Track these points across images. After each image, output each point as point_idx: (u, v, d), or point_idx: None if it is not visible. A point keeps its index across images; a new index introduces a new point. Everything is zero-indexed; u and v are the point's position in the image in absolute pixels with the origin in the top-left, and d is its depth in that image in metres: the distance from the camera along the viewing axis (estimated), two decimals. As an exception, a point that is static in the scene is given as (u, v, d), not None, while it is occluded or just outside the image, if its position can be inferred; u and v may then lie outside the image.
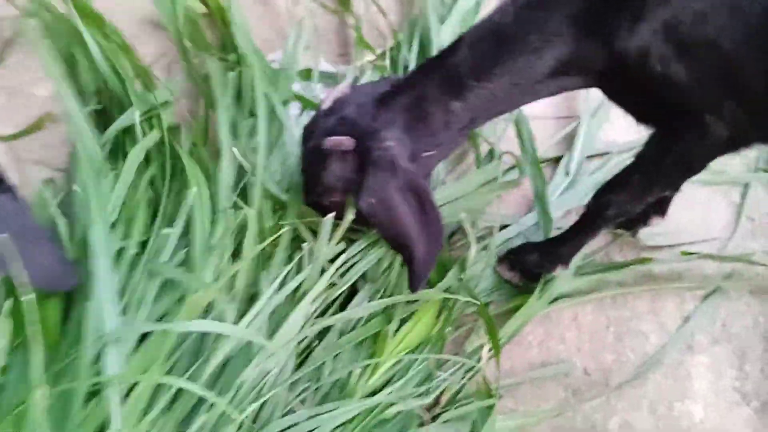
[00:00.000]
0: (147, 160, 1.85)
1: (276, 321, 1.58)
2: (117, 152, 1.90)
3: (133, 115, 1.84)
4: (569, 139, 2.43)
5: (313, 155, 1.56)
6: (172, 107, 1.98)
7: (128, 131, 1.91)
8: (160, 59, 2.32)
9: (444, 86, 1.49)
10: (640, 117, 1.60)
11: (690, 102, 1.44)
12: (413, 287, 1.62)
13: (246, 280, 1.59)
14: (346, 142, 1.50)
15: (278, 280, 1.55)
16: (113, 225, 1.65)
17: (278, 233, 1.62)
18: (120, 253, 1.61)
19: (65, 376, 1.35)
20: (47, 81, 2.20)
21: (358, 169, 1.53)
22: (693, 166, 1.62)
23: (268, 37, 2.48)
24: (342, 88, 1.65)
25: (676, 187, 1.84)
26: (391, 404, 1.62)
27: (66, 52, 2.09)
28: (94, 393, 1.35)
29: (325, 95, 1.63)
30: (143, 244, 1.65)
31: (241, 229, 1.68)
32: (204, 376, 1.41)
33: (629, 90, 1.53)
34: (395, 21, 2.65)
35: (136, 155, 1.78)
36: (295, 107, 2.17)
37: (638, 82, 1.45)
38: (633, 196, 1.71)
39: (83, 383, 1.29)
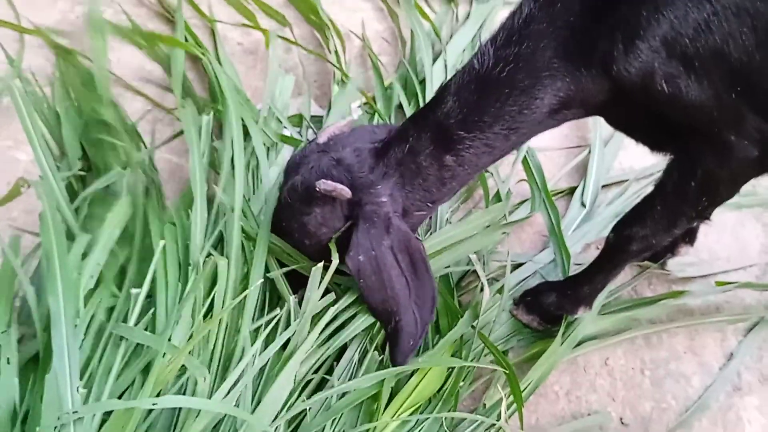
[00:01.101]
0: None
1: (261, 385, 1.40)
2: (95, 213, 1.77)
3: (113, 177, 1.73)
4: (581, 169, 2.27)
5: (301, 192, 1.44)
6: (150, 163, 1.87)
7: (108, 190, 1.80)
8: (149, 113, 2.23)
9: (435, 140, 1.37)
10: (654, 145, 1.44)
11: (707, 121, 1.27)
12: (396, 361, 1.46)
13: (223, 340, 1.42)
14: (343, 192, 1.38)
15: (260, 339, 1.38)
16: (92, 291, 1.51)
17: (252, 286, 1.44)
18: (89, 320, 1.45)
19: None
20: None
21: (345, 219, 1.43)
22: (720, 192, 1.44)
23: (258, 86, 2.37)
24: (340, 125, 1.54)
25: (705, 217, 1.65)
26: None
27: (51, 113, 2.02)
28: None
29: (322, 130, 1.55)
30: (112, 310, 1.49)
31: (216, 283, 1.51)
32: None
33: (638, 117, 1.38)
34: (388, 62, 2.55)
35: (113, 224, 1.63)
36: (287, 153, 2.04)
37: (646, 106, 1.30)
38: (657, 230, 1.51)
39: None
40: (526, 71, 1.28)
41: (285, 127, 2.12)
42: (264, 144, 1.94)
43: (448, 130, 1.35)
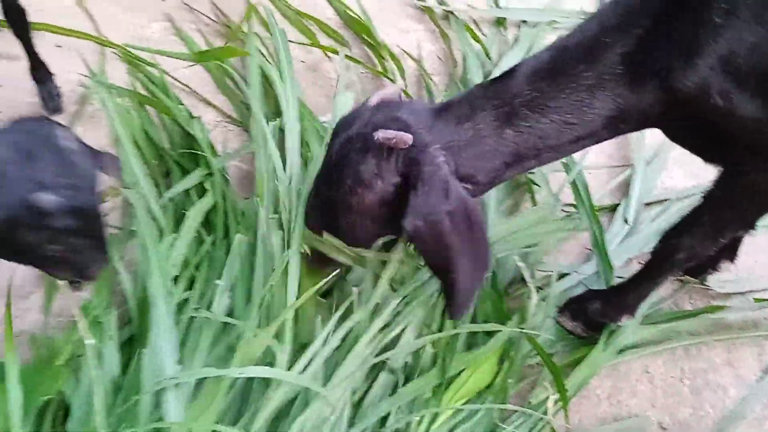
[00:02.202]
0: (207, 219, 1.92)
1: (330, 368, 1.55)
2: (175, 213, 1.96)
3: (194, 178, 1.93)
4: (624, 187, 2.39)
5: (358, 143, 1.40)
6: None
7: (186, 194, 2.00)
8: (219, 125, 2.42)
9: (499, 111, 1.43)
10: (707, 156, 1.54)
11: (757, 135, 1.38)
12: (453, 315, 1.52)
13: (295, 327, 1.58)
14: (404, 138, 1.34)
15: (331, 324, 1.53)
16: (175, 279, 1.69)
17: (329, 278, 1.59)
18: (181, 305, 1.64)
19: (125, 421, 1.34)
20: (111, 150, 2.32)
21: (400, 175, 1.39)
22: (765, 203, 1.55)
23: (319, 101, 2.55)
24: (390, 91, 1.52)
25: (750, 227, 1.75)
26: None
27: (129, 123, 2.22)
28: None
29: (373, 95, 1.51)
30: (202, 297, 1.67)
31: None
32: (258, 424, 1.38)
33: (693, 129, 1.48)
34: (441, 81, 2.71)
35: (194, 217, 1.83)
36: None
37: (702, 119, 1.41)
38: (704, 239, 1.63)
39: (143, 429, 1.28)
40: (593, 72, 1.39)
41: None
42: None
43: (513, 105, 1.42)
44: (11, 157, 1.14)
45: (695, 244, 1.63)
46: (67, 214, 1.16)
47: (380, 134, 1.34)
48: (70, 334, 1.50)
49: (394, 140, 1.34)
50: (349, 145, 1.40)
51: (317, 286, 1.57)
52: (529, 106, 1.42)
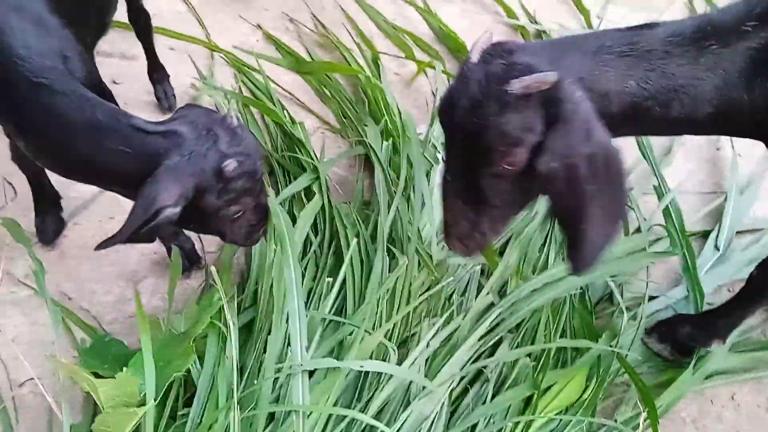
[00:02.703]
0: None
1: (430, 369, 1.64)
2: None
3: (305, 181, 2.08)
4: (716, 215, 2.41)
5: (486, 108, 1.25)
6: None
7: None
8: (317, 131, 2.55)
9: (626, 58, 1.33)
10: None
11: None
12: (576, 267, 1.37)
13: (401, 329, 1.68)
14: (547, 78, 1.21)
15: (435, 329, 1.62)
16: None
17: (437, 287, 1.69)
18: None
19: (247, 402, 1.47)
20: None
21: (546, 121, 1.25)
22: None
23: (412, 113, 2.64)
24: (486, 37, 1.34)
25: None
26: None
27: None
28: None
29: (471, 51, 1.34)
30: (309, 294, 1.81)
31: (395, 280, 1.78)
32: (370, 412, 1.49)
33: None
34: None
35: (306, 217, 1.96)
36: (439, 173, 2.30)
37: None
38: None
39: (268, 409, 1.40)
40: (720, 56, 1.35)
41: (439, 152, 2.38)
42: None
43: (655, 52, 1.34)
44: (195, 134, 1.35)
45: None
46: (244, 177, 1.38)
47: (516, 84, 1.21)
48: (195, 316, 1.63)
49: (535, 84, 1.21)
50: (481, 110, 1.25)
51: (429, 293, 1.67)
52: (667, 59, 1.35)
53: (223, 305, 1.55)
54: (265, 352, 1.54)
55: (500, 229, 1.47)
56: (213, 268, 1.64)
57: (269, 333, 1.57)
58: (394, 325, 1.68)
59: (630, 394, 1.88)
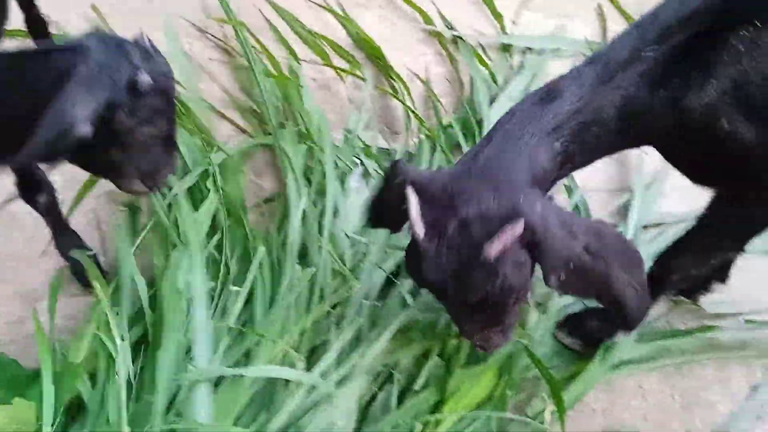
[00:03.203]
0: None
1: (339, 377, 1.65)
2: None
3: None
4: (623, 211, 2.49)
5: (476, 278, 1.30)
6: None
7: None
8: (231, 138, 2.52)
9: (544, 136, 1.40)
10: (700, 178, 1.62)
11: (755, 162, 1.46)
12: (633, 327, 1.60)
13: (312, 336, 1.68)
14: (515, 231, 1.25)
15: (344, 334, 1.62)
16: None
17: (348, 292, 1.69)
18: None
19: (141, 419, 1.43)
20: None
21: (529, 250, 1.32)
22: (756, 228, 1.64)
23: (330, 118, 2.65)
24: (416, 206, 1.33)
25: (740, 249, 1.85)
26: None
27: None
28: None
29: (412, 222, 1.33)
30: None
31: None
32: (274, 425, 1.47)
33: (691, 150, 1.55)
34: (448, 102, 2.82)
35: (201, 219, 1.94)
36: (354, 179, 2.32)
37: (703, 141, 1.48)
38: (697, 260, 1.73)
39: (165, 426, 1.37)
40: (625, 81, 1.44)
41: (357, 156, 2.39)
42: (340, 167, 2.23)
43: (565, 123, 1.42)
44: (104, 48, 1.25)
45: (688, 266, 1.73)
46: (158, 95, 1.30)
47: (492, 251, 1.25)
48: (83, 335, 1.59)
49: (509, 242, 1.25)
50: (473, 283, 1.31)
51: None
52: (569, 129, 1.43)
53: (109, 319, 1.51)
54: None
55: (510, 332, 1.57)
56: (96, 284, 1.59)
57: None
58: (304, 333, 1.68)
59: (542, 388, 1.92)
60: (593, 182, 2.56)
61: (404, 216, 1.36)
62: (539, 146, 1.40)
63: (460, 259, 1.28)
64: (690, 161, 1.61)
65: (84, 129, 1.20)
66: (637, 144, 1.66)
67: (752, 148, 1.42)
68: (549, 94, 1.44)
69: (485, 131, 2.55)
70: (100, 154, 1.35)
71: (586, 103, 1.42)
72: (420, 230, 1.30)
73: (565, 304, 2.14)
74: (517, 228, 1.25)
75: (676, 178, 2.45)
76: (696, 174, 1.63)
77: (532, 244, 1.29)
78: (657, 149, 1.66)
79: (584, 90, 1.42)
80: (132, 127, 1.30)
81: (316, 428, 1.52)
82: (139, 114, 1.29)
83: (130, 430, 1.35)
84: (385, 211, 1.54)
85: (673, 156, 1.64)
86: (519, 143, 1.38)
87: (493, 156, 1.38)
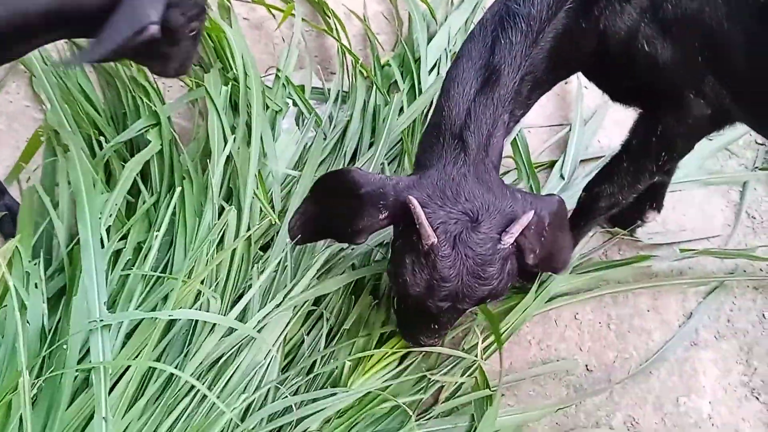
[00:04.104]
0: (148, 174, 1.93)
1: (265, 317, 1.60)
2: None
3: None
4: (563, 145, 2.46)
5: (490, 271, 1.38)
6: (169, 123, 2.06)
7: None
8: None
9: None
10: (620, 96, 1.63)
11: (672, 80, 1.47)
12: (559, 272, 1.68)
13: (235, 278, 1.62)
14: (529, 217, 1.38)
15: (265, 275, 1.58)
16: (108, 230, 1.72)
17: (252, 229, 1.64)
18: (116, 255, 1.67)
19: (54, 365, 1.38)
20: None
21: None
22: (677, 146, 1.64)
23: (262, 58, 2.56)
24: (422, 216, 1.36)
25: (664, 172, 1.85)
26: (386, 399, 1.61)
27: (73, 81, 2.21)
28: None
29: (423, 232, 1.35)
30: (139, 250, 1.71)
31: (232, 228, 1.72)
32: (193, 368, 1.43)
33: (613, 70, 1.56)
34: (386, 41, 2.73)
35: (132, 168, 1.85)
36: (287, 120, 2.24)
37: (623, 61, 1.48)
38: (624, 185, 1.73)
39: (70, 370, 1.31)
40: (549, 28, 1.44)
41: (290, 95, 2.31)
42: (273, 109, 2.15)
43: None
44: None
45: (616, 192, 1.73)
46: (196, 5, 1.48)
47: (508, 240, 1.36)
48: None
49: (522, 229, 1.37)
50: (487, 275, 1.38)
51: (250, 232, 1.62)
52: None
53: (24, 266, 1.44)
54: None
55: None
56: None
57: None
58: (228, 276, 1.62)
59: (478, 322, 1.91)
60: (535, 119, 2.52)
61: (364, 226, 1.40)
62: (497, 129, 1.45)
63: (477, 255, 1.35)
64: (611, 81, 1.61)
65: (155, 30, 1.33)
66: (566, 76, 1.65)
67: (668, 65, 1.42)
68: (490, 76, 1.44)
69: (423, 69, 2.51)
70: (151, 49, 1.49)
71: (524, 71, 1.45)
72: (434, 238, 1.34)
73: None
74: (529, 216, 1.36)
75: (616, 112, 2.46)
76: (616, 92, 1.63)
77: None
78: (582, 72, 1.65)
79: (518, 59, 1.42)
80: (181, 25, 1.47)
81: (240, 367, 1.48)
82: (187, 13, 1.46)
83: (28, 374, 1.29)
84: (333, 222, 1.49)
85: (596, 77, 1.63)
86: (480, 134, 1.43)
87: (462, 154, 1.43)
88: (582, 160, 2.40)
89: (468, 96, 1.46)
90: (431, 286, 1.38)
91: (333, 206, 1.45)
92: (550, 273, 1.96)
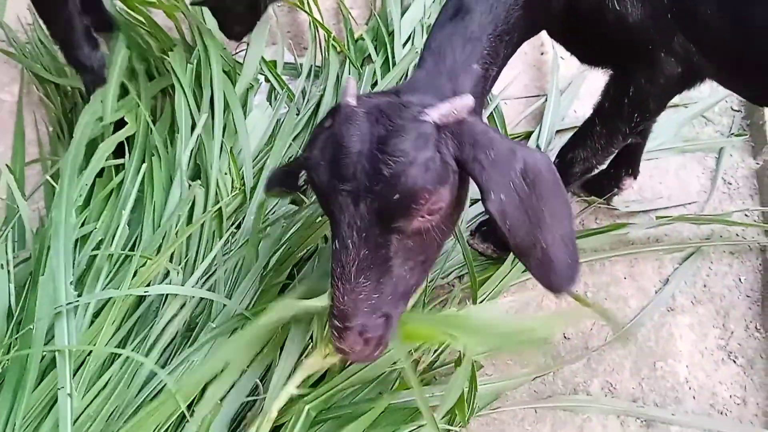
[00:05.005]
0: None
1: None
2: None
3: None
4: (539, 116, 2.45)
5: (399, 144, 1.08)
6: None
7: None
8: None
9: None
10: (590, 58, 1.62)
11: (642, 39, 1.46)
12: (560, 287, 1.21)
13: (204, 253, 1.61)
14: (465, 101, 1.11)
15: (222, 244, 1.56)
16: (83, 210, 1.70)
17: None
18: (85, 237, 1.65)
19: (21, 345, 1.36)
20: (14, 86, 2.26)
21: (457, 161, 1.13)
22: (649, 107, 1.62)
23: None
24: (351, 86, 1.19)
25: (636, 134, 1.84)
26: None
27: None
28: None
29: (344, 93, 1.17)
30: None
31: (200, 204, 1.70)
32: (160, 342, 1.41)
33: (582, 29, 1.53)
34: (359, 15, 2.70)
35: (105, 148, 1.82)
36: (259, 96, 2.21)
37: (593, 24, 1.47)
38: (596, 149, 1.72)
39: (36, 351, 1.30)
40: None
41: (261, 72, 2.28)
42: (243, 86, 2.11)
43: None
44: None
45: (590, 156, 1.72)
46: None
47: (434, 113, 1.10)
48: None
49: (455, 111, 1.11)
50: (393, 150, 1.08)
51: (218, 206, 1.60)
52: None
53: None
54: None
55: (403, 307, 1.26)
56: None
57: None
58: (198, 253, 1.60)
59: (454, 293, 1.91)
60: (510, 90, 2.50)
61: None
62: (465, 69, 1.30)
63: (391, 121, 1.09)
64: (580, 41, 1.60)
65: None
66: (533, 34, 1.62)
67: (637, 24, 1.40)
68: (460, 9, 1.36)
69: (397, 43, 2.48)
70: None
71: (496, 20, 1.35)
72: (352, 100, 1.13)
73: (478, 212, 2.12)
74: (467, 101, 1.10)
75: (592, 82, 2.44)
76: (586, 53, 1.62)
77: (471, 153, 1.10)
78: (549, 34, 1.63)
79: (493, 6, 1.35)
80: None
81: (210, 332, 1.47)
82: None
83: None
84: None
85: (565, 37, 1.62)
86: (444, 62, 1.29)
87: (427, 74, 1.27)
88: (558, 131, 2.39)
89: (440, 25, 1.36)
90: (334, 161, 1.11)
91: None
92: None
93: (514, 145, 1.15)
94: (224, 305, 1.48)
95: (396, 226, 1.12)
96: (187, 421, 1.31)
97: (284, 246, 1.63)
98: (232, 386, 1.39)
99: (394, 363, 1.65)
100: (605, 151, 1.71)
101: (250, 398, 1.45)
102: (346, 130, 1.10)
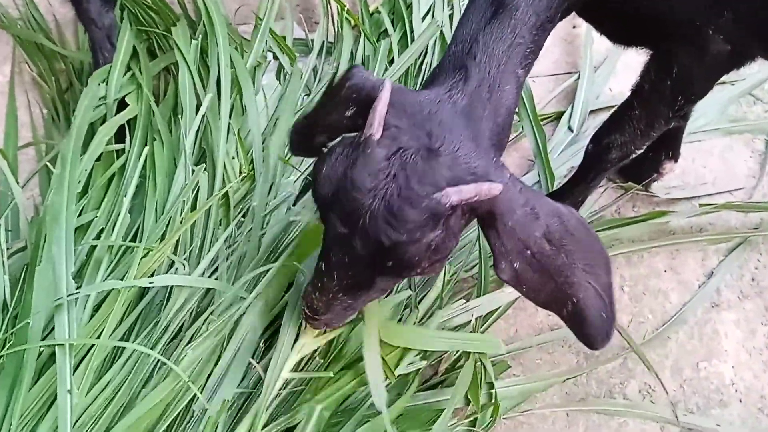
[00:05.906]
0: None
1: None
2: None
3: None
4: (571, 95, 2.42)
5: (409, 215, 1.08)
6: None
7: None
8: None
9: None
10: (625, 35, 1.59)
11: (688, 17, 1.42)
12: (596, 345, 1.21)
13: (210, 241, 1.61)
14: (492, 190, 1.09)
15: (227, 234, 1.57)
16: (81, 197, 1.71)
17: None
18: (84, 227, 1.66)
19: (16, 339, 1.37)
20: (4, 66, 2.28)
21: (468, 219, 1.16)
22: (694, 88, 1.60)
23: (240, 10, 2.51)
24: (381, 106, 1.14)
25: (678, 118, 1.80)
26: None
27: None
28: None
29: (371, 119, 1.14)
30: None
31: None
32: (165, 334, 1.42)
33: (619, 10, 1.51)
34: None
35: (105, 131, 1.83)
36: (268, 75, 2.20)
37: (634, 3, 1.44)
38: (636, 134, 1.69)
39: (34, 346, 1.30)
40: None
41: (269, 49, 2.27)
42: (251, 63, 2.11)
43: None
44: None
45: (628, 141, 1.68)
46: None
47: (454, 197, 1.08)
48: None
49: (477, 196, 1.08)
50: (403, 219, 1.09)
51: (224, 190, 1.60)
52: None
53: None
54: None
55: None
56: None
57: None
58: (202, 241, 1.60)
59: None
60: (537, 67, 2.46)
61: (327, 123, 1.23)
62: (506, 74, 1.28)
63: (409, 185, 1.09)
64: (615, 16, 1.56)
65: None
66: (565, 15, 1.59)
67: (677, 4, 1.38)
68: (514, 38, 1.30)
69: (416, 17, 2.46)
70: None
71: (538, 14, 1.31)
72: (377, 130, 1.12)
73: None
74: (494, 189, 1.09)
75: (630, 56, 2.40)
76: (620, 31, 1.59)
77: (488, 218, 1.13)
78: (577, 13, 1.60)
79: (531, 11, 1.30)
80: None
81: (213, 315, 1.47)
82: None
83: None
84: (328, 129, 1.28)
85: (595, 14, 1.59)
86: (486, 68, 1.25)
87: (471, 93, 1.23)
88: (592, 111, 2.36)
89: (479, 25, 1.30)
90: (340, 187, 1.12)
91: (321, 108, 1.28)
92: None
93: (540, 204, 1.15)
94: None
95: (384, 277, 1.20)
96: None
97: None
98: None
99: (411, 363, 1.64)
100: (645, 137, 1.67)
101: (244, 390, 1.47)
102: (361, 169, 1.11)
